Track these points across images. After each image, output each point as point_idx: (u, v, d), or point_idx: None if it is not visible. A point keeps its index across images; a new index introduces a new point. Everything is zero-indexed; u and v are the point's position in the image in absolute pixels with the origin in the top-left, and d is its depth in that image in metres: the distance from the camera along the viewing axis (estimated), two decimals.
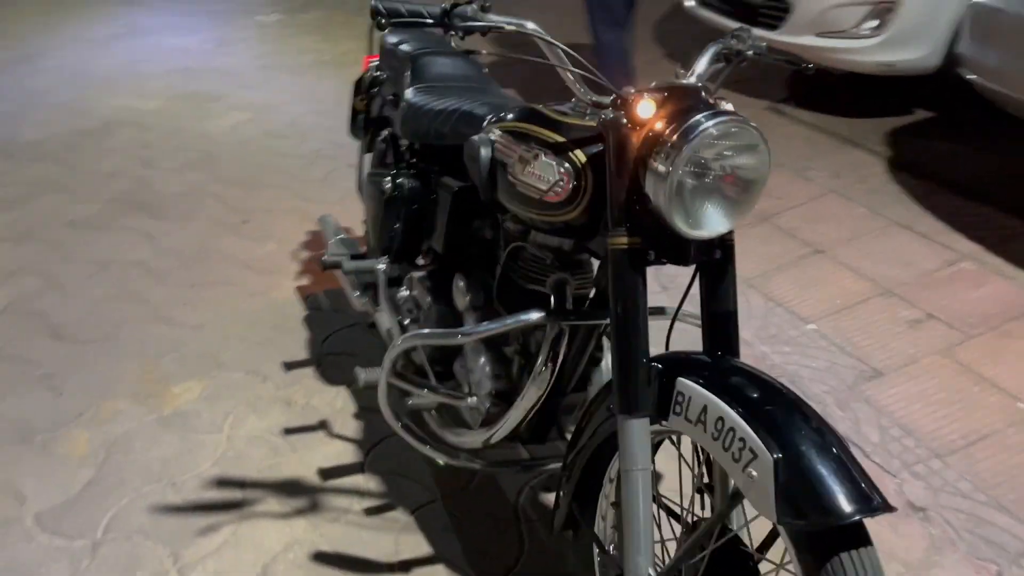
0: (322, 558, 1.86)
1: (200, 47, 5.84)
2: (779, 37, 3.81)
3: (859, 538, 1.11)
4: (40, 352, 2.57)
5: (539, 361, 1.57)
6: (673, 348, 1.39)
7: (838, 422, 2.22)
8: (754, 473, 1.15)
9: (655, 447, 1.45)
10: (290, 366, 2.50)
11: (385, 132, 2.27)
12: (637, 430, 1.32)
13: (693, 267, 1.40)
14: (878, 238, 3.04)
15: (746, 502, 1.20)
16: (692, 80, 1.44)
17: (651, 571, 1.31)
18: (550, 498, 2.04)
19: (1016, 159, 3.49)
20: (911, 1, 3.50)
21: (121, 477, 2.08)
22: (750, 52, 1.58)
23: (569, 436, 1.86)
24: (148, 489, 2.04)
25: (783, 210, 3.30)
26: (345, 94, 4.80)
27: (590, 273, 1.70)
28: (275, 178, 3.77)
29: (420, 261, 2.15)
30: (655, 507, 1.51)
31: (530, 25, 1.44)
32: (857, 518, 1.08)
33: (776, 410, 1.20)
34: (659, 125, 1.30)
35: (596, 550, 1.58)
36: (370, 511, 1.99)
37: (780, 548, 1.26)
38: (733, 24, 4.20)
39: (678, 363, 1.35)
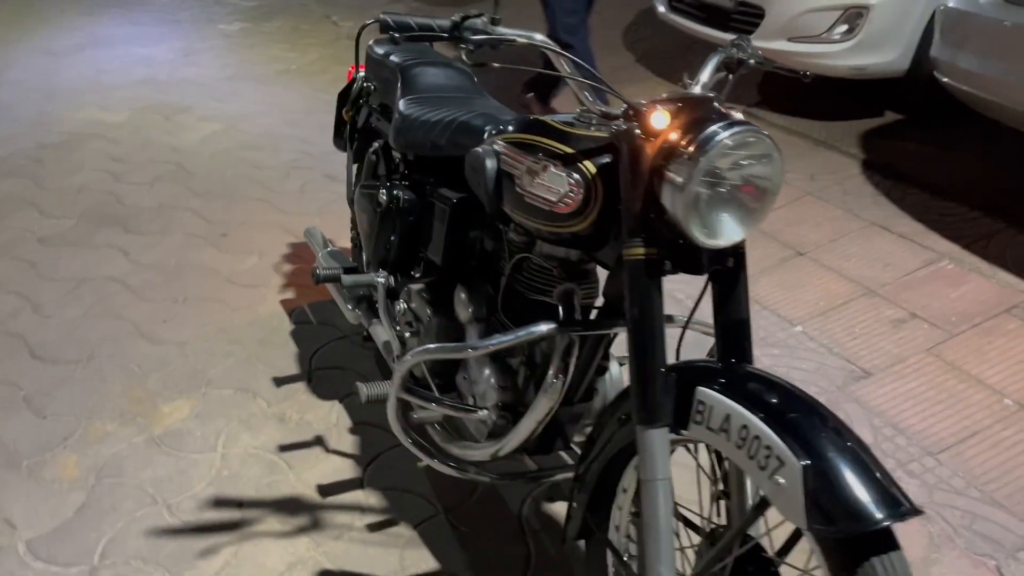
0: None
1: (165, 57, 5.75)
2: (753, 42, 3.85)
3: (888, 542, 1.12)
4: (20, 373, 2.50)
5: (550, 373, 1.56)
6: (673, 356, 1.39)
7: None
8: (781, 480, 1.15)
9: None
10: (281, 381, 2.47)
11: (376, 144, 2.25)
12: (657, 440, 1.32)
13: (704, 276, 1.41)
14: (857, 239, 3.09)
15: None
16: (698, 89, 1.45)
17: None
18: (554, 508, 2.03)
19: (985, 159, 3.57)
20: (880, 7, 3.57)
21: (114, 501, 2.03)
22: (752, 61, 1.60)
23: (574, 446, 1.87)
24: (143, 512, 2.00)
25: None
26: (315, 104, 4.79)
27: (595, 283, 1.70)
28: (251, 190, 3.72)
29: (414, 273, 2.14)
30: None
31: (539, 37, 1.44)
32: (888, 523, 1.09)
33: (799, 416, 1.21)
34: (674, 136, 1.30)
35: (611, 559, 1.58)
36: (373, 527, 1.97)
37: (801, 553, 1.27)
38: (704, 30, 4.26)
39: (695, 372, 1.36)
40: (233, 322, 2.75)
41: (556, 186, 1.47)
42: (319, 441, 2.24)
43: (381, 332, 2.17)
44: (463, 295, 1.84)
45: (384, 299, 1.97)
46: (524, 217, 1.56)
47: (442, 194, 1.94)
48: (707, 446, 1.45)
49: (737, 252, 1.38)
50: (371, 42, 2.41)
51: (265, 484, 2.09)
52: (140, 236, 3.31)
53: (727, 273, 1.39)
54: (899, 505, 1.10)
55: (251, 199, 3.64)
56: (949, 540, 1.94)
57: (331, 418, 2.33)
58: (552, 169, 1.48)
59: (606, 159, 1.44)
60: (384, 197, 2.03)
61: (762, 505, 1.24)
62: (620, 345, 1.83)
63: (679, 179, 1.27)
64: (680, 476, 1.57)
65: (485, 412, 1.70)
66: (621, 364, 1.84)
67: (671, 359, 1.39)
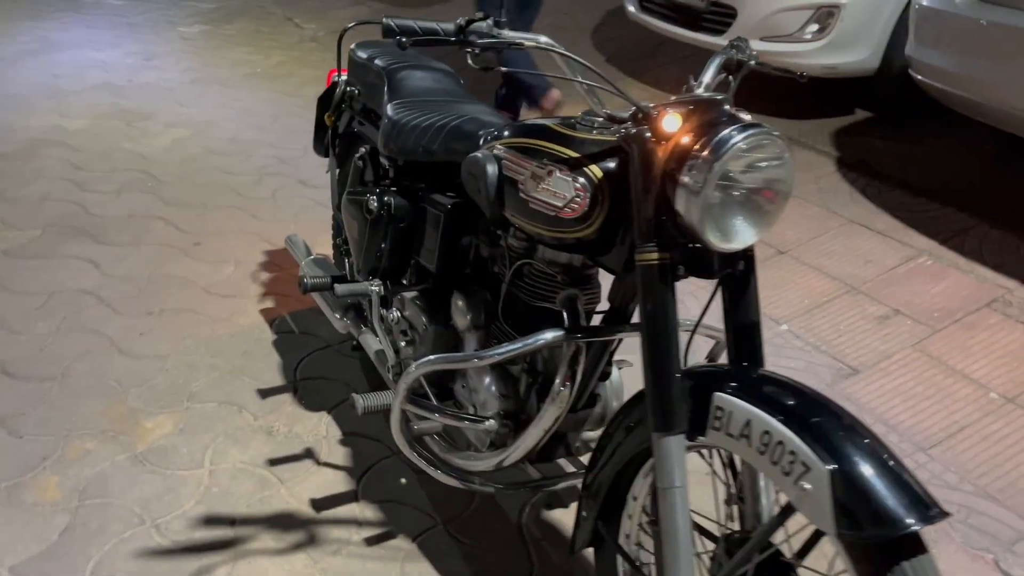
0: None
1: (123, 61, 5.61)
2: (724, 42, 3.87)
3: (916, 546, 1.12)
4: None
5: (557, 381, 1.54)
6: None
7: None
8: (807, 486, 1.14)
9: None
10: (266, 393, 2.41)
11: (363, 149, 2.21)
12: (674, 447, 1.31)
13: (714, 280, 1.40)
14: (836, 237, 3.12)
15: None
16: (702, 91, 1.44)
17: None
18: (554, 516, 2.01)
19: (956, 156, 3.63)
20: (851, 6, 3.61)
21: (100, 522, 1.96)
22: (752, 62, 1.59)
23: (577, 453, 1.85)
24: (131, 533, 1.93)
25: None
26: (283, 108, 4.72)
27: (598, 288, 1.69)
28: (223, 197, 3.64)
29: (406, 280, 2.11)
30: None
31: (543, 39, 1.42)
32: (918, 527, 1.08)
33: (822, 420, 1.20)
34: (686, 139, 1.29)
35: (623, 568, 1.56)
36: (370, 540, 1.93)
37: (820, 555, 1.27)
38: (675, 30, 4.27)
39: (710, 377, 1.35)
40: (213, 334, 2.68)
41: (562, 191, 1.45)
42: (310, 454, 2.19)
43: (373, 341, 2.13)
44: (460, 302, 1.81)
45: (378, 308, 1.93)
46: (527, 223, 1.54)
47: (435, 200, 1.91)
48: (719, 451, 1.45)
49: (747, 255, 1.37)
50: (353, 46, 2.37)
51: (257, 500, 2.04)
52: (110, 247, 3.22)
53: (738, 276, 1.38)
54: (928, 508, 1.10)
55: (223, 206, 3.56)
56: (946, 535, 1.95)
57: (320, 430, 2.28)
58: (557, 174, 1.46)
59: (612, 163, 1.42)
60: (374, 204, 1.99)
61: (786, 511, 1.23)
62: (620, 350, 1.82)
63: (694, 183, 1.26)
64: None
65: (491, 422, 1.67)
66: (620, 368, 1.83)
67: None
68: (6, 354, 2.58)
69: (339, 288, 1.90)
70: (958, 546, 1.93)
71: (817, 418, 1.20)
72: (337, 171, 2.48)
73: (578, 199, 1.43)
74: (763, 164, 1.28)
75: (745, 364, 1.40)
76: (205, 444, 2.21)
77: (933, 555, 1.12)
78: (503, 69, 1.33)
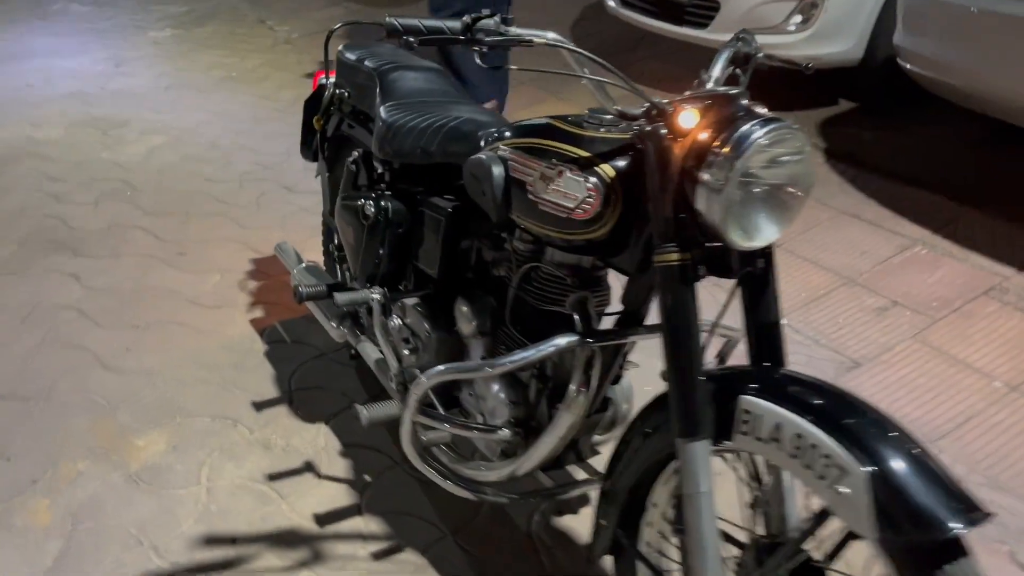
0: None
1: (94, 68, 5.49)
2: (708, 35, 3.86)
3: (958, 548, 1.09)
4: None
5: (572, 387, 1.50)
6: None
7: None
8: (845, 490, 1.11)
9: None
10: (261, 406, 2.35)
11: (356, 153, 2.15)
12: (700, 453, 1.27)
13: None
14: (829, 229, 3.11)
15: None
16: (711, 86, 1.41)
17: None
18: (563, 522, 1.97)
19: (942, 144, 3.64)
20: None
21: (96, 546, 1.89)
22: (760, 55, 1.56)
23: (586, 457, 1.81)
24: (129, 556, 1.87)
25: None
26: (262, 112, 4.63)
27: (608, 289, 1.65)
28: (205, 205, 3.56)
29: (404, 286, 2.06)
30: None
31: (551, 35, 1.38)
32: (962, 530, 1.05)
33: (855, 420, 1.17)
34: (704, 135, 1.25)
35: (646, 574, 1.52)
36: (378, 555, 1.87)
37: (852, 559, 1.23)
38: (657, 24, 4.24)
39: (734, 379, 1.31)
40: (202, 346, 2.61)
41: (573, 192, 1.40)
42: (309, 467, 2.13)
43: (372, 350, 2.07)
44: (464, 308, 1.76)
45: (379, 316, 1.88)
46: (536, 225, 1.49)
47: (434, 203, 1.86)
48: (740, 454, 1.42)
49: (766, 253, 1.34)
50: (340, 47, 2.31)
51: (258, 517, 1.98)
52: (90, 259, 3.13)
53: (757, 275, 1.35)
54: (971, 510, 1.07)
55: (206, 214, 3.48)
56: None
57: (319, 441, 2.22)
58: (568, 174, 1.41)
59: (625, 161, 1.39)
60: (371, 209, 1.94)
61: (822, 516, 1.20)
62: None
63: (715, 181, 1.22)
64: None
65: (505, 431, 1.63)
66: (627, 370, 1.79)
67: None
68: None
69: (339, 297, 1.84)
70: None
71: (850, 419, 1.17)
72: (327, 175, 2.42)
73: (590, 199, 1.39)
74: (784, 159, 1.25)
75: (767, 364, 1.37)
76: (200, 461, 2.15)
77: (976, 557, 1.09)
78: (512, 67, 1.28)
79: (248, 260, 3.11)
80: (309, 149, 2.47)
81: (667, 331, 1.29)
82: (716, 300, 1.45)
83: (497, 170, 1.53)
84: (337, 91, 2.26)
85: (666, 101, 1.31)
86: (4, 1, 7.17)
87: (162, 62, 5.63)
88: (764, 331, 1.37)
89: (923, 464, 1.12)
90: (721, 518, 1.46)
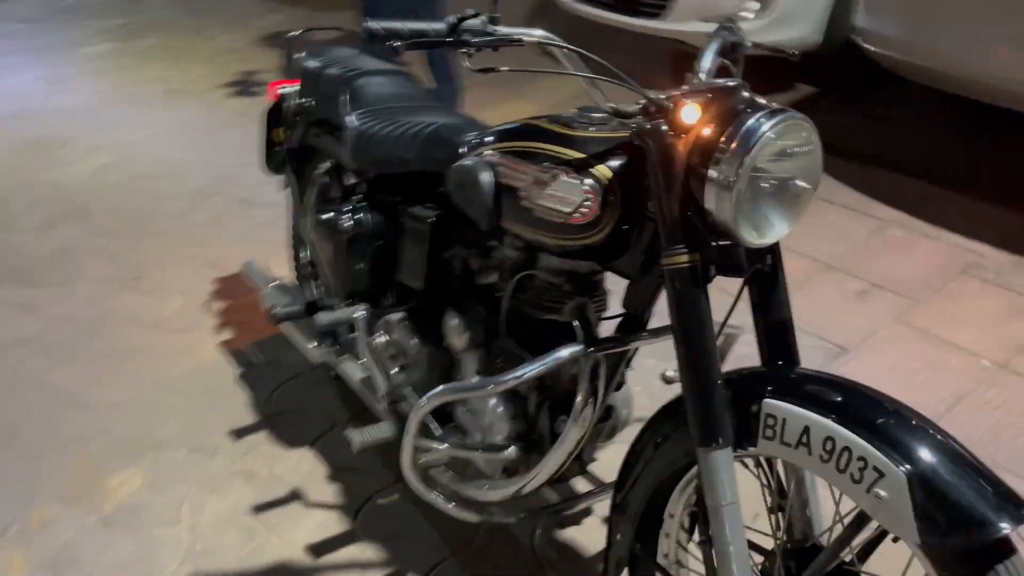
0: None
1: (28, 88, 5.26)
2: (664, 25, 3.83)
3: (1006, 547, 1.05)
4: None
5: (579, 399, 1.44)
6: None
7: None
8: (883, 493, 1.07)
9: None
10: (239, 434, 2.24)
11: (326, 165, 2.06)
12: (723, 462, 1.22)
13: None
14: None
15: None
16: (703, 78, 1.36)
17: None
18: (566, 535, 1.91)
19: (905, 125, 3.66)
20: None
21: None
22: (749, 44, 1.52)
23: (591, 469, 1.75)
24: None
25: None
26: (211, 124, 4.49)
27: (605, 294, 1.59)
28: (159, 224, 3.42)
29: (386, 302, 1.98)
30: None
31: (538, 32, 1.32)
32: (1010, 529, 1.01)
33: (886, 419, 1.13)
34: (708, 131, 1.20)
35: None
36: None
37: (881, 560, 1.20)
38: (612, 16, 4.20)
39: (750, 381, 1.27)
40: (171, 373, 2.49)
41: (570, 195, 1.34)
42: (297, 495, 2.04)
43: (355, 369, 1.99)
44: (455, 321, 1.69)
45: (364, 334, 1.79)
46: (532, 232, 1.43)
47: (415, 213, 1.78)
48: (760, 458, 1.37)
49: (773, 249, 1.30)
50: (300, 55, 2.21)
51: (246, 553, 1.88)
52: (43, 288, 2.98)
53: (767, 272, 1.31)
54: (1017, 507, 1.03)
55: (162, 234, 3.34)
56: None
57: (304, 467, 2.12)
58: (563, 177, 1.35)
59: (622, 161, 1.33)
60: (348, 223, 1.85)
61: (860, 521, 1.15)
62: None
63: (724, 177, 1.17)
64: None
65: (511, 450, 1.56)
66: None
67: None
68: None
69: (321, 318, 1.76)
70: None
71: (881, 417, 1.13)
72: (295, 189, 2.31)
73: (588, 203, 1.33)
74: (793, 151, 1.21)
75: (781, 363, 1.33)
76: (180, 496, 2.04)
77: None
78: (503, 69, 1.21)
79: (211, 279, 2.99)
80: (272, 162, 2.37)
81: (680, 336, 1.24)
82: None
83: (486, 177, 1.46)
84: (300, 101, 2.16)
85: (664, 96, 1.25)
86: None
87: (101, 78, 5.43)
88: (776, 329, 1.34)
89: (961, 460, 1.08)
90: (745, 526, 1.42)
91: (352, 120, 1.90)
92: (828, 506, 1.29)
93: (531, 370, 1.39)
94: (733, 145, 1.16)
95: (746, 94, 1.24)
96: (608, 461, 1.72)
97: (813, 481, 1.34)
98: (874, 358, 2.39)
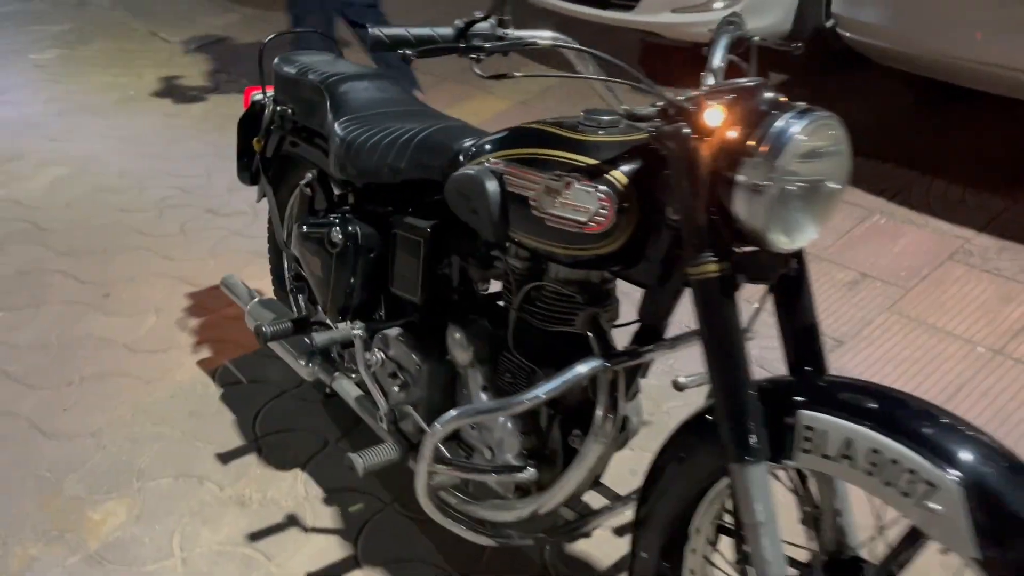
0: None
1: None
2: (636, 17, 3.79)
3: None
4: None
5: (599, 413, 1.38)
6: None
7: None
8: (936, 507, 1.03)
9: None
10: (227, 458, 2.15)
11: (309, 175, 1.97)
12: (758, 478, 1.17)
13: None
14: None
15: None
16: (713, 77, 1.32)
17: None
18: (577, 549, 1.85)
19: (879, 111, 3.65)
20: None
21: None
22: (756, 38, 1.47)
23: (603, 484, 1.69)
24: None
25: None
26: (172, 132, 4.35)
27: (616, 303, 1.53)
28: (125, 239, 3.29)
29: (378, 316, 1.90)
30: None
31: (548, 34, 1.25)
32: None
33: (933, 428, 1.09)
34: (734, 133, 1.15)
35: None
36: None
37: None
38: (579, 9, 4.14)
39: (783, 391, 1.22)
40: (150, 397, 2.38)
41: (584, 204, 1.28)
42: (293, 520, 1.95)
43: (350, 387, 1.91)
44: (458, 335, 1.62)
45: (363, 352, 1.72)
46: (543, 243, 1.37)
47: (409, 223, 1.71)
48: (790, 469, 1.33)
49: (798, 253, 1.25)
50: (276, 60, 2.12)
51: None
52: (6, 312, 2.84)
53: (792, 277, 1.26)
54: None
55: (128, 249, 3.21)
56: None
57: (298, 490, 2.04)
58: (577, 185, 1.29)
59: (635, 165, 1.28)
60: (338, 236, 1.77)
61: (913, 537, 1.11)
62: None
63: (756, 182, 1.11)
64: None
65: (531, 471, 1.49)
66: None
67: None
68: None
69: (317, 338, 1.67)
70: None
71: (927, 426, 1.09)
72: (273, 199, 2.22)
73: (603, 211, 1.27)
74: (822, 152, 1.16)
75: (810, 369, 1.28)
76: (170, 529, 1.94)
77: None
78: (517, 74, 1.14)
79: (183, 295, 2.88)
80: (247, 172, 2.27)
81: (711, 349, 1.19)
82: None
83: (492, 186, 1.39)
84: (278, 108, 2.07)
85: (682, 98, 1.20)
86: None
87: (50, 86, 5.23)
88: (802, 335, 1.29)
89: (1016, 467, 1.04)
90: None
91: (337, 128, 1.82)
92: (860, 514, 1.25)
93: (549, 389, 1.32)
94: (763, 148, 1.11)
95: (769, 93, 1.19)
96: (615, 469, 1.67)
97: (845, 490, 1.30)
98: (870, 349, 2.37)
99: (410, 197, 1.73)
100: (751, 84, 1.19)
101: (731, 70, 1.35)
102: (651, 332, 1.41)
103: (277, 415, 2.29)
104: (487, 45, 1.15)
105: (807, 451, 1.15)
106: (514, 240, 1.43)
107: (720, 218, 1.17)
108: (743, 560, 1.27)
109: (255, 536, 1.91)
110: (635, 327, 1.43)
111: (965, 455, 1.05)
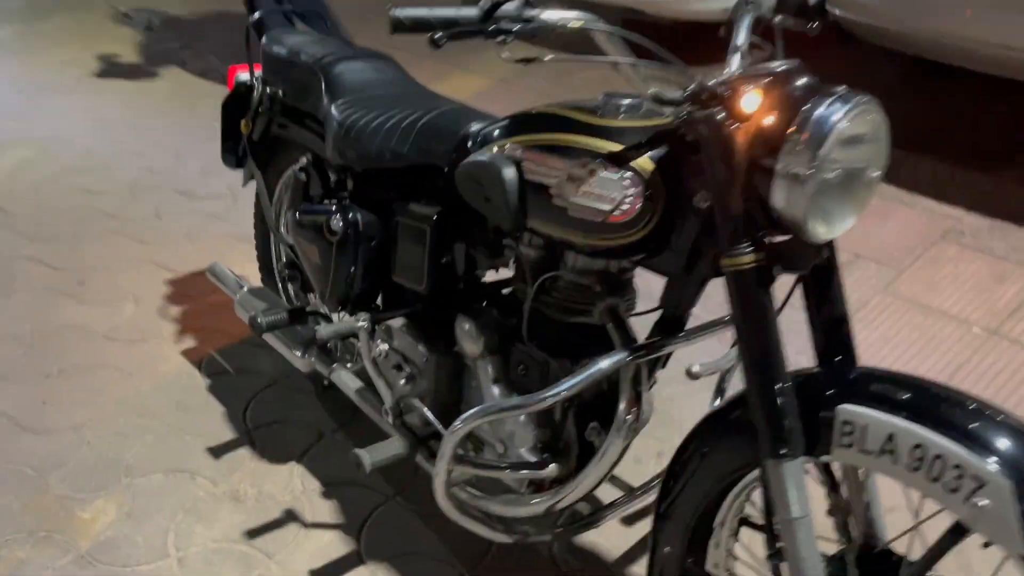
0: None
1: None
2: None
3: None
4: None
5: (621, 407, 1.35)
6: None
7: None
8: (984, 503, 1.01)
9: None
10: (218, 452, 2.08)
11: (304, 159, 1.89)
12: (793, 474, 1.15)
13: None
14: None
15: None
16: (738, 59, 1.28)
17: None
18: (586, 540, 1.82)
19: (868, 91, 3.64)
20: None
21: None
22: (778, 17, 1.43)
23: (614, 475, 1.66)
24: None
25: None
26: (139, 110, 4.20)
27: (634, 293, 1.49)
28: (97, 224, 3.17)
29: (376, 305, 1.84)
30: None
31: (578, 15, 1.19)
32: None
33: (977, 421, 1.07)
34: (771, 119, 1.11)
35: None
36: None
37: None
38: None
39: (816, 384, 1.20)
40: (134, 389, 2.30)
41: (609, 192, 1.24)
42: (292, 516, 1.90)
43: (350, 379, 1.85)
44: (468, 325, 1.56)
45: (368, 344, 1.66)
46: (564, 232, 1.32)
47: (413, 210, 1.65)
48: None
49: (830, 242, 1.22)
50: (264, 39, 2.03)
51: None
52: None
53: (823, 267, 1.24)
54: None
55: (100, 233, 3.09)
56: None
57: (295, 484, 1.98)
58: (601, 173, 1.24)
59: (661, 151, 1.23)
60: (338, 223, 1.70)
61: (957, 532, 1.09)
62: None
63: (796, 170, 1.08)
64: None
65: (553, 466, 1.45)
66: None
67: None
68: None
69: (321, 331, 1.61)
70: None
71: (970, 419, 1.07)
72: (262, 183, 2.14)
73: (629, 199, 1.23)
74: (862, 138, 1.13)
75: (840, 360, 1.26)
76: (163, 527, 1.88)
77: None
78: (547, 58, 1.09)
79: (162, 282, 2.78)
80: (232, 155, 2.19)
81: (746, 341, 1.16)
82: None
83: (509, 173, 1.34)
84: (267, 89, 1.98)
85: (715, 82, 1.15)
86: None
87: (8, 64, 5.02)
88: (833, 325, 1.27)
89: None
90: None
91: (333, 111, 1.75)
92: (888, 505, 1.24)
93: (572, 384, 1.28)
94: (804, 135, 1.07)
95: (806, 77, 1.15)
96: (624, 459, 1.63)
97: (874, 482, 1.28)
98: (867, 331, 2.36)
99: (412, 183, 1.67)
100: (786, 67, 1.15)
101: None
102: (674, 322, 1.38)
103: (268, 406, 2.22)
104: (515, 28, 1.09)
105: (846, 446, 1.13)
106: (529, 229, 1.38)
107: (754, 206, 1.14)
108: (775, 556, 1.24)
109: (252, 533, 1.86)
110: (653, 316, 1.39)
111: (1010, 448, 1.03)
